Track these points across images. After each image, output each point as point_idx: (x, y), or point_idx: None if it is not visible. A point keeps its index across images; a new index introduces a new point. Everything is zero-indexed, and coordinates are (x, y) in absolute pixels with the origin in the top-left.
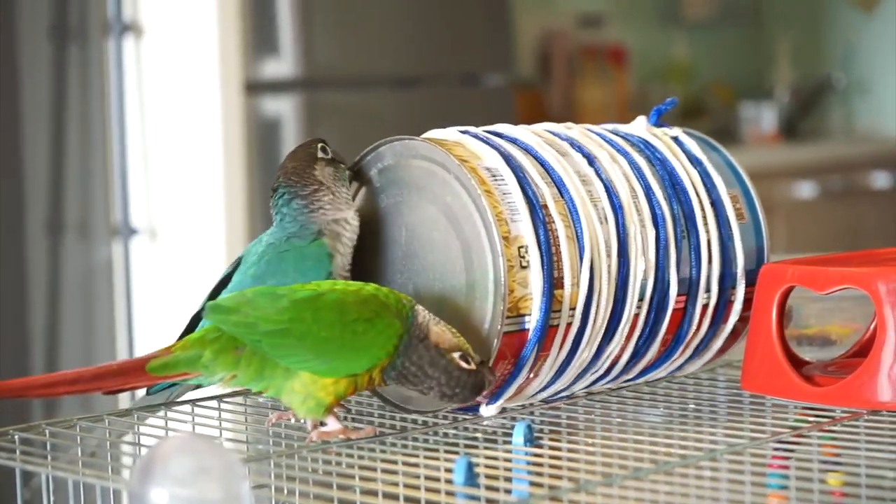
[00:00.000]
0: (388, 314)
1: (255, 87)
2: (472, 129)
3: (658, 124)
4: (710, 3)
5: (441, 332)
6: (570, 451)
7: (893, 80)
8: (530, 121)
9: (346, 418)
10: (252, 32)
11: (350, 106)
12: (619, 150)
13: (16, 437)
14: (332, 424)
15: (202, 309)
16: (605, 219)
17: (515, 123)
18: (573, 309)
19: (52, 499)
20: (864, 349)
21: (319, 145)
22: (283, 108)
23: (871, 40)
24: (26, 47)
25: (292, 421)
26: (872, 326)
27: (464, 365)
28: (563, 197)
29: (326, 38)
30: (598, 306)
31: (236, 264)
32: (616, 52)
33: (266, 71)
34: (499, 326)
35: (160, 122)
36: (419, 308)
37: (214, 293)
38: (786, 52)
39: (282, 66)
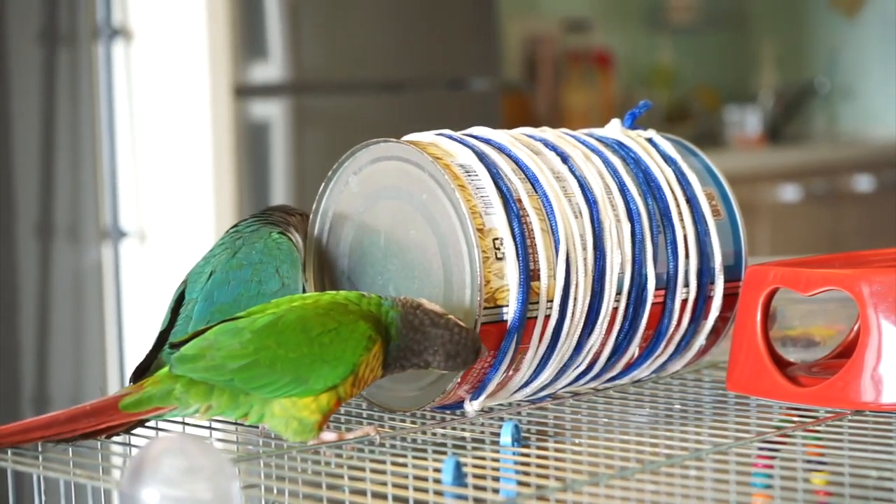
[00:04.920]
0: (350, 318)
1: (244, 91)
2: (447, 131)
3: (633, 127)
4: (694, 9)
5: (431, 303)
6: (557, 451)
7: (876, 85)
8: (517, 125)
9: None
10: (241, 37)
11: (338, 110)
12: (592, 150)
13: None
14: (327, 437)
15: (161, 337)
16: (580, 213)
17: (502, 127)
18: (551, 301)
19: (43, 499)
20: (848, 350)
21: None
22: (271, 111)
23: (854, 45)
24: (16, 51)
25: None
26: (856, 328)
27: (461, 324)
28: (536, 192)
29: (315, 43)
30: (575, 298)
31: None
32: (602, 56)
33: (255, 75)
34: (476, 317)
35: (150, 125)
36: (394, 296)
37: (162, 336)
38: (770, 56)
39: (270, 70)
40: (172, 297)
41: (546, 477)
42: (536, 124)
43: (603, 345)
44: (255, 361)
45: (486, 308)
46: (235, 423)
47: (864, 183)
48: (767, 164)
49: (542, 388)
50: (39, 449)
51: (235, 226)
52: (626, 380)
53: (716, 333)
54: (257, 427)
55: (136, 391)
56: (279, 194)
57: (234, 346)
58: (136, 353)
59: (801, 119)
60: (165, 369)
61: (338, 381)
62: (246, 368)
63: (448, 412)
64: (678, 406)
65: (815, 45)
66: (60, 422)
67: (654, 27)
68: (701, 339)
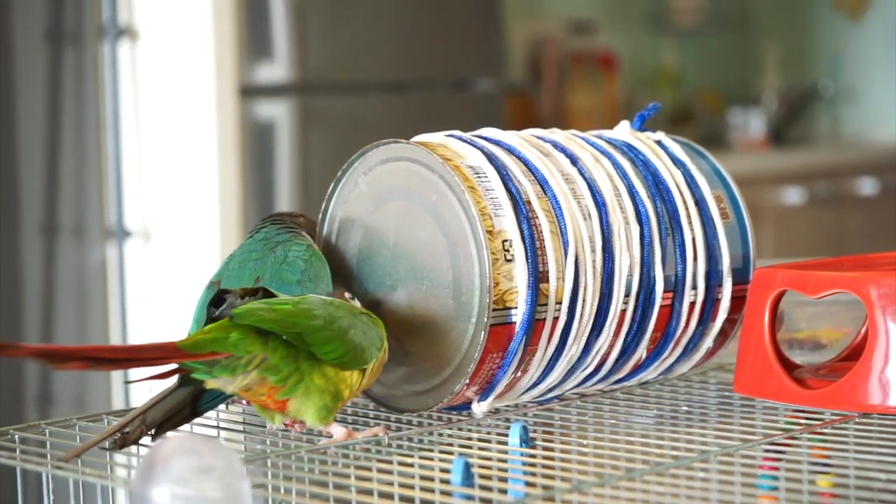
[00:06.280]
0: (371, 315)
1: (249, 92)
2: (457, 132)
3: (641, 129)
4: (698, 11)
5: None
6: (563, 451)
7: (880, 88)
8: (521, 126)
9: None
10: (246, 37)
11: (343, 110)
12: (602, 152)
13: (16, 436)
14: (337, 431)
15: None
16: (589, 215)
17: (506, 128)
18: (559, 303)
19: (51, 498)
20: (855, 353)
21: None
22: (277, 112)
23: (858, 48)
24: (22, 51)
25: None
26: (863, 330)
27: None
28: (546, 194)
29: (320, 43)
30: (584, 301)
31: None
32: (606, 58)
33: (260, 75)
34: (485, 319)
35: (155, 125)
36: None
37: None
38: (773, 59)
39: (276, 70)
40: (202, 297)
41: (552, 478)
42: (540, 125)
43: (611, 347)
44: (317, 324)
45: (494, 310)
46: (243, 423)
47: (867, 186)
48: (771, 167)
49: (550, 390)
50: (48, 447)
51: (258, 230)
52: (633, 382)
53: (723, 336)
54: (264, 425)
55: (189, 339)
56: (284, 194)
57: (292, 310)
58: None
59: (805, 122)
60: (215, 324)
61: (373, 359)
62: (311, 327)
63: (455, 413)
64: (684, 408)
65: (818, 48)
66: (124, 349)
67: (658, 29)
68: (708, 342)
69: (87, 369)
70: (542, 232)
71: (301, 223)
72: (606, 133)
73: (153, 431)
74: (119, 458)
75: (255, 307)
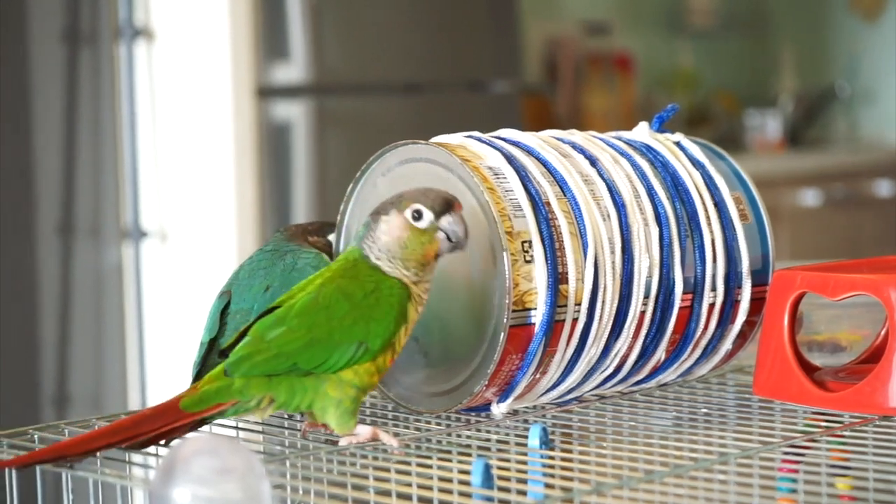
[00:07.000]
0: (379, 275)
1: (266, 92)
2: (476, 133)
3: (660, 130)
4: (715, 12)
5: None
6: (581, 453)
7: None
8: (537, 127)
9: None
10: (263, 38)
11: (359, 111)
12: (621, 153)
13: (35, 436)
14: (362, 432)
15: (211, 345)
16: (608, 216)
17: (522, 129)
18: (578, 304)
19: (71, 497)
20: (875, 355)
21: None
22: (293, 112)
23: (875, 50)
24: (39, 51)
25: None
26: (883, 332)
27: None
28: (565, 195)
29: (336, 45)
30: (603, 302)
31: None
32: (622, 59)
33: (277, 76)
34: (504, 320)
35: (171, 125)
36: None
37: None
38: (790, 61)
39: (292, 71)
40: (214, 306)
41: (571, 480)
42: (556, 127)
43: (630, 348)
44: (312, 340)
45: (514, 311)
46: (262, 423)
47: (884, 188)
48: (787, 169)
49: (569, 392)
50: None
51: (268, 242)
52: (652, 383)
53: (742, 338)
54: (296, 419)
55: (192, 392)
56: (300, 195)
57: (285, 333)
58: (156, 353)
59: (822, 123)
60: (219, 368)
61: (392, 334)
62: (306, 348)
63: (474, 414)
64: (703, 410)
65: (835, 50)
66: (125, 428)
67: (675, 30)
68: (727, 344)
69: (97, 451)
70: (561, 233)
71: (320, 245)
72: (625, 134)
73: None
74: (138, 458)
75: (245, 352)
